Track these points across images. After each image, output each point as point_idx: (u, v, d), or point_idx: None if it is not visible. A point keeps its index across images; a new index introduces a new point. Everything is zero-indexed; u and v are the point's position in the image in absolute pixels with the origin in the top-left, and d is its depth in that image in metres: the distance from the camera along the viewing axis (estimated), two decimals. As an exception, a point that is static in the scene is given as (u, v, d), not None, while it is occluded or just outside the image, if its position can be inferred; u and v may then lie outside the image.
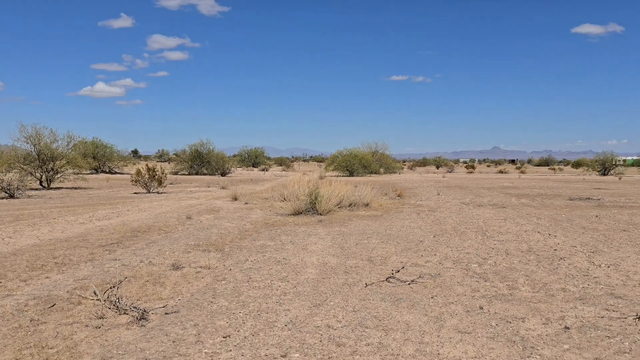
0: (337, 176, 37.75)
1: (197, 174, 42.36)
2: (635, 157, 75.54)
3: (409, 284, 6.15)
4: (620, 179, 40.39)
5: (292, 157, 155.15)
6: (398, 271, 6.74)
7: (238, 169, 56.96)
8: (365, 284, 6.15)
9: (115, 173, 42.07)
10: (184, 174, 42.18)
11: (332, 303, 5.36)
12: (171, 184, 25.89)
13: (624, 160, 79.12)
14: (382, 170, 48.58)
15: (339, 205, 14.27)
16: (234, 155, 71.16)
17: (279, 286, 6.03)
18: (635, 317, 4.89)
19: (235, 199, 17.10)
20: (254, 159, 67.12)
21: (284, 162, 75.93)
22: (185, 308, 5.18)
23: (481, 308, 5.21)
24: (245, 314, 4.97)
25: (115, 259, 7.33)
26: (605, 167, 50.91)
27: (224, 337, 4.36)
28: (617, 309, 5.20)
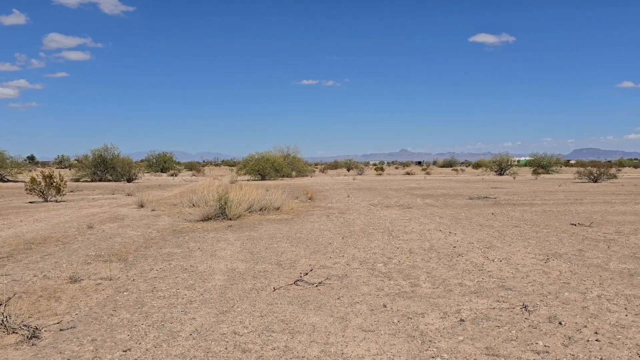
0: (249, 180, 37.47)
1: (100, 180, 40.23)
2: (527, 158, 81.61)
3: (317, 286, 6.24)
4: (514, 178, 43.53)
5: (203, 161, 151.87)
6: (306, 274, 6.81)
7: (146, 174, 54.81)
8: (274, 288, 6.16)
9: (8, 181, 38.92)
10: (86, 181, 39.90)
11: (239, 309, 5.31)
12: (72, 191, 24.39)
13: (518, 161, 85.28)
14: (294, 173, 48.85)
15: (250, 210, 14.17)
16: (141, 161, 68.39)
17: (185, 294, 5.88)
18: (522, 306, 5.29)
19: (142, 206, 16.45)
20: (162, 164, 64.94)
21: (194, 167, 74.13)
22: (82, 323, 4.91)
23: (385, 306, 5.39)
24: (148, 325, 4.80)
25: (5, 274, 6.79)
26: (501, 167, 54.58)
27: (124, 351, 4.18)
28: (507, 300, 5.59)
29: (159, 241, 9.71)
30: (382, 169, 76.74)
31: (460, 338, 4.43)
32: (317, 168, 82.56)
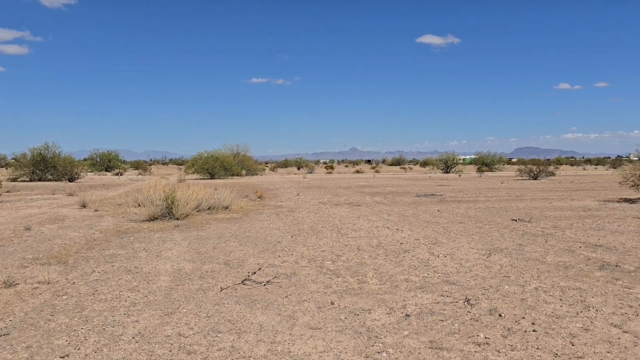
0: (198, 179, 36.84)
1: (40, 180, 38.51)
2: (472, 156, 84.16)
3: (265, 285, 6.20)
4: (460, 176, 44.78)
5: (150, 160, 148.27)
6: (254, 273, 6.76)
7: (89, 173, 52.90)
8: (221, 288, 6.07)
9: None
10: (24, 181, 38.09)
11: (184, 310, 5.20)
12: (8, 191, 23.25)
13: (464, 159, 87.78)
14: (243, 172, 48.39)
15: (198, 209, 13.94)
16: (85, 159, 65.95)
17: (129, 297, 5.72)
18: (464, 300, 5.44)
19: (84, 206, 15.86)
20: (107, 163, 62.83)
21: (140, 166, 72.10)
22: (17, 329, 4.68)
23: (332, 303, 5.42)
24: (89, 330, 4.63)
25: None
26: (447, 165, 56.01)
27: (61, 357, 4.02)
28: (451, 294, 5.74)
29: (102, 242, 9.40)
30: (332, 168, 77.20)
31: (406, 333, 4.51)
32: (267, 167, 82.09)
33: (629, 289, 5.89)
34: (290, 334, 4.50)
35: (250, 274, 6.72)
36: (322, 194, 22.27)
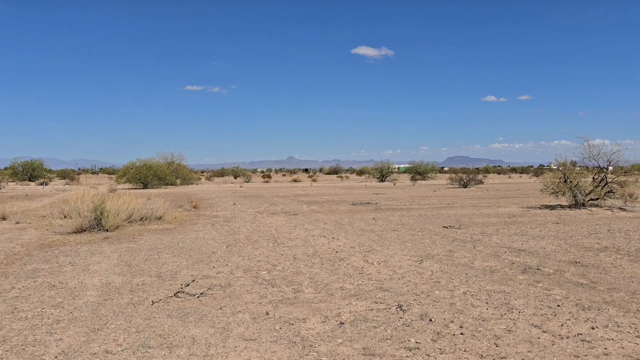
0: (130, 189, 35.63)
1: (-45, 190, 35.92)
2: (406, 165, 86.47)
3: (199, 297, 6.08)
4: (394, 184, 45.85)
5: (79, 169, 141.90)
6: (188, 285, 6.62)
7: (10, 183, 49.94)
8: (152, 301, 5.90)
9: None
10: (-63, 192, 35.40)
11: (113, 326, 5.01)
12: None
13: (398, 168, 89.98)
14: (178, 181, 47.29)
15: (129, 220, 13.47)
16: (5, 169, 62.22)
17: (52, 314, 5.43)
18: (397, 306, 5.57)
19: (4, 218, 14.95)
20: (30, 172, 59.58)
21: (68, 175, 68.86)
22: None
23: (267, 314, 5.40)
24: (6, 351, 4.36)
25: None
26: (383, 174, 57.23)
27: (-24, 381, 3.76)
28: (384, 300, 5.86)
29: (24, 257, 8.89)
30: (269, 176, 76.91)
31: (340, 341, 4.56)
32: (203, 176, 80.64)
33: (549, 290, 6.24)
34: (223, 347, 4.43)
35: (183, 286, 6.57)
36: (258, 203, 22.14)
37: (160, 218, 14.41)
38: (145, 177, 40.88)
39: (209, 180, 68.88)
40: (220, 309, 5.60)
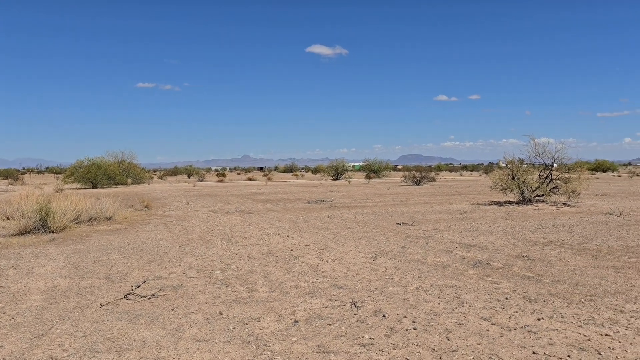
0: (78, 189, 34.46)
1: None
2: (361, 163, 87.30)
3: (149, 298, 5.94)
4: (349, 182, 46.20)
5: (23, 168, 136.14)
6: (139, 286, 6.45)
7: (-52, 184, 47.37)
8: (101, 304, 5.71)
9: None
10: None
11: (58, 331, 4.82)
12: None
13: (353, 166, 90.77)
14: (129, 180, 46.07)
15: (77, 221, 13.02)
16: (-57, 168, 58.92)
17: (-8, 320, 5.18)
18: (351, 303, 5.61)
19: (-59, 220, 14.14)
20: (-30, 172, 56.65)
21: (11, 175, 65.86)
22: None
23: (221, 314, 5.32)
24: (-58, 360, 4.12)
25: None
26: (337, 172, 57.48)
27: None
28: (339, 298, 5.88)
29: (-38, 261, 8.43)
30: (223, 175, 75.99)
31: (294, 339, 4.55)
32: (155, 174, 78.85)
33: (497, 284, 6.43)
34: (175, 349, 4.34)
35: (134, 287, 6.39)
36: (212, 202, 21.84)
37: (110, 218, 14.00)
38: (94, 176, 39.60)
39: (161, 179, 67.42)
40: (172, 310, 5.48)
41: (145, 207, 18.25)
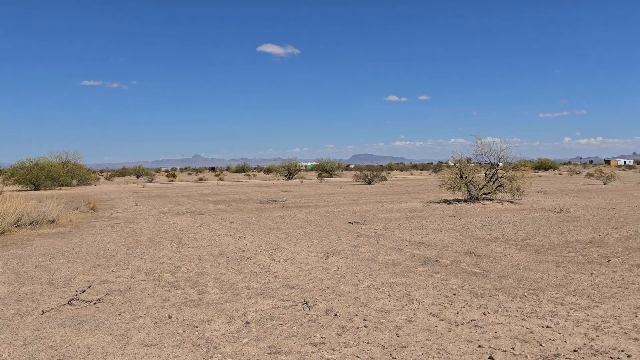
0: (19, 190, 32.95)
1: None
2: (313, 163, 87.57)
3: (95, 303, 5.74)
4: (302, 182, 46.25)
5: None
6: (84, 291, 6.23)
7: None
8: (42, 311, 5.48)
9: None
10: None
11: (-4, 340, 4.59)
12: None
13: (305, 166, 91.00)
14: (74, 182, 44.39)
15: (17, 224, 12.46)
16: None
17: None
18: (303, 303, 5.61)
19: None
20: None
21: (-55, 177, 62.26)
22: None
23: (170, 317, 5.21)
24: None
25: None
26: (290, 172, 57.41)
27: None
28: (290, 298, 5.88)
29: None
30: (174, 176, 74.49)
31: (245, 340, 4.51)
32: (102, 175, 76.45)
33: (446, 280, 6.59)
34: (122, 355, 4.22)
35: (78, 292, 6.17)
36: (162, 203, 21.38)
37: (53, 221, 13.46)
38: (36, 177, 37.95)
39: (108, 180, 65.39)
40: (119, 315, 5.32)
41: (91, 209, 17.66)
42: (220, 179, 59.82)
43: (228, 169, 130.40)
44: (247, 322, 5.00)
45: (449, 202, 19.00)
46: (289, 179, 55.62)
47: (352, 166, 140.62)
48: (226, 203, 20.75)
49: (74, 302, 5.80)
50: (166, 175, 77.76)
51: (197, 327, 4.90)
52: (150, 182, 54.57)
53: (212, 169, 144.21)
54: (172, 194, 28.20)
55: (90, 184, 46.85)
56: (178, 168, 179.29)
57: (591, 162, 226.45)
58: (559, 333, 4.55)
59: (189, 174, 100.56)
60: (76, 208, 17.64)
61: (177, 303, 5.74)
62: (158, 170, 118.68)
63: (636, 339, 4.35)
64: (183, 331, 4.78)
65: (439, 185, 21.25)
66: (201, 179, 59.90)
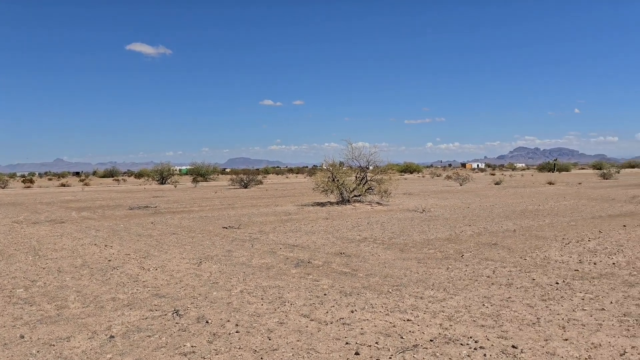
0: None
1: None
2: (188, 167, 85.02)
3: None
4: (175, 187, 44.72)
5: None
6: None
7: None
8: None
9: None
10: None
11: None
12: None
13: (179, 170, 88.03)
14: None
15: None
16: None
17: None
18: (173, 312, 5.45)
19: None
20: None
21: None
22: None
23: (22, 337, 4.77)
24: None
25: None
26: (163, 176, 55.21)
27: None
28: (160, 307, 5.67)
29: None
30: (31, 181, 67.93)
31: (109, 356, 4.27)
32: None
33: (317, 281, 6.79)
34: (-37, 383, 3.78)
35: None
36: (17, 211, 19.43)
37: None
38: None
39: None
40: (-41, 338, 4.75)
41: None
42: (86, 185, 55.79)
43: (95, 173, 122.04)
44: (112, 336, 4.73)
45: (322, 204, 19.56)
46: (162, 183, 53.49)
47: (228, 170, 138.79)
48: (92, 210, 19.42)
49: None
50: (22, 181, 70.72)
51: (54, 345, 4.54)
52: (3, 188, 49.27)
53: (77, 174, 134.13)
54: (28, 202, 25.74)
55: None
56: (37, 173, 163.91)
57: (450, 165, 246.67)
58: (418, 325, 4.90)
59: (50, 179, 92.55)
60: None
61: (32, 321, 5.27)
62: (13, 176, 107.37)
63: (482, 326, 4.84)
64: (37, 351, 4.40)
65: (313, 189, 21.78)
66: (64, 185, 55.36)
